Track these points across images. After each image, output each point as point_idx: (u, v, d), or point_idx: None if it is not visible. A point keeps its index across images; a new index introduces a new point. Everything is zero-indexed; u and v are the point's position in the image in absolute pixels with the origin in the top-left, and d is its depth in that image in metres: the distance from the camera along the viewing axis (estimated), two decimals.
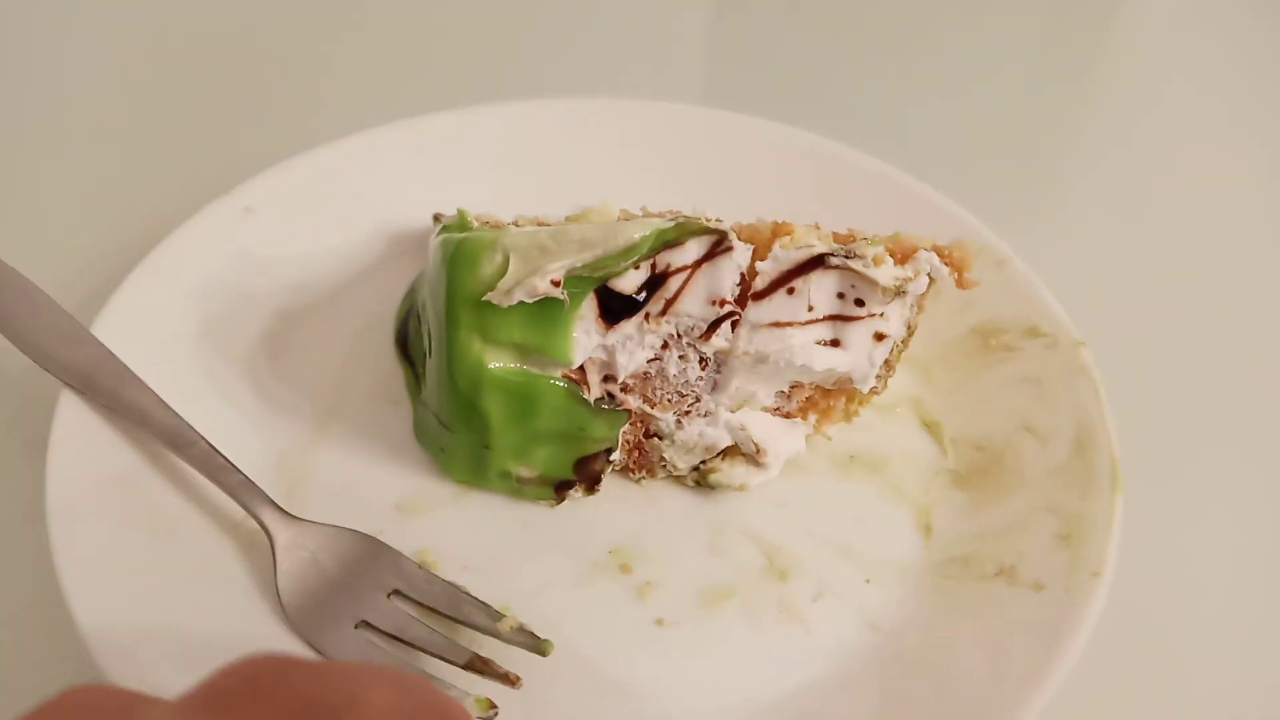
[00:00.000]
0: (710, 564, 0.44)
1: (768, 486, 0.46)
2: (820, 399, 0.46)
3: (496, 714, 0.37)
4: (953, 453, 0.48)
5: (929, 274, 0.43)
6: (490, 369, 0.41)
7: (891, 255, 0.43)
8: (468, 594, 0.41)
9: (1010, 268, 0.51)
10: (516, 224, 0.46)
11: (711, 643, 0.41)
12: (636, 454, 0.45)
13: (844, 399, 0.46)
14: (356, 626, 0.40)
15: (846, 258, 0.41)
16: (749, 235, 0.43)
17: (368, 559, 0.42)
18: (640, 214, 0.46)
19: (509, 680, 0.38)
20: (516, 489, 0.44)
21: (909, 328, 0.45)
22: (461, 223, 0.44)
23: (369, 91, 0.68)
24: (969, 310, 0.51)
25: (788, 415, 0.46)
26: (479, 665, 0.38)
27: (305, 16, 0.74)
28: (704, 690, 0.40)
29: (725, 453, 0.46)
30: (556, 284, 0.39)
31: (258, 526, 0.41)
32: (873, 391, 0.46)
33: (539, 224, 0.46)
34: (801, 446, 0.46)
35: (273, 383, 0.48)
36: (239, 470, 0.42)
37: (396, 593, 0.41)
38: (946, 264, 0.43)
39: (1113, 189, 0.69)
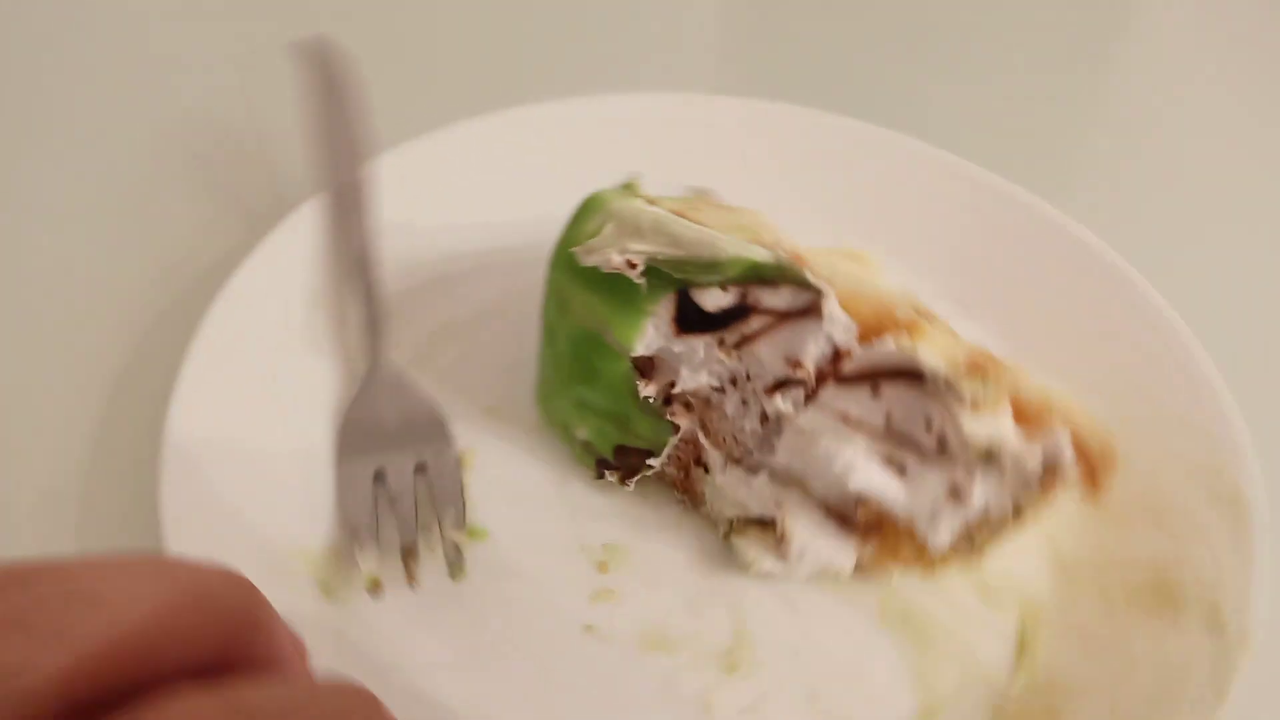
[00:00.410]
0: (676, 612, 0.41)
1: (790, 588, 0.42)
2: (888, 528, 0.40)
3: (378, 594, 0.39)
4: (1022, 688, 0.39)
5: (1046, 461, 0.35)
6: (567, 316, 0.41)
7: (1018, 414, 0.35)
8: (463, 501, 0.43)
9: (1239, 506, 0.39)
10: (681, 213, 0.45)
11: (606, 677, 0.39)
12: (684, 476, 0.43)
13: (913, 544, 0.39)
14: (374, 475, 0.44)
15: (947, 390, 0.35)
16: (870, 313, 0.38)
17: (425, 429, 0.46)
18: (778, 230, 0.42)
19: (411, 581, 0.40)
20: (572, 444, 0.45)
21: (1016, 509, 0.37)
22: (627, 189, 0.44)
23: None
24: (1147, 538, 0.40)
25: (846, 524, 0.40)
26: (412, 554, 0.40)
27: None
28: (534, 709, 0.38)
29: (761, 522, 0.42)
30: (632, 265, 0.38)
31: None
32: (952, 558, 0.39)
33: (693, 217, 0.44)
34: (842, 564, 0.41)
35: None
36: (381, 308, 0.48)
37: (420, 466, 0.45)
38: (1080, 456, 0.35)
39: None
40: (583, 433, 0.44)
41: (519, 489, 0.45)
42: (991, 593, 0.42)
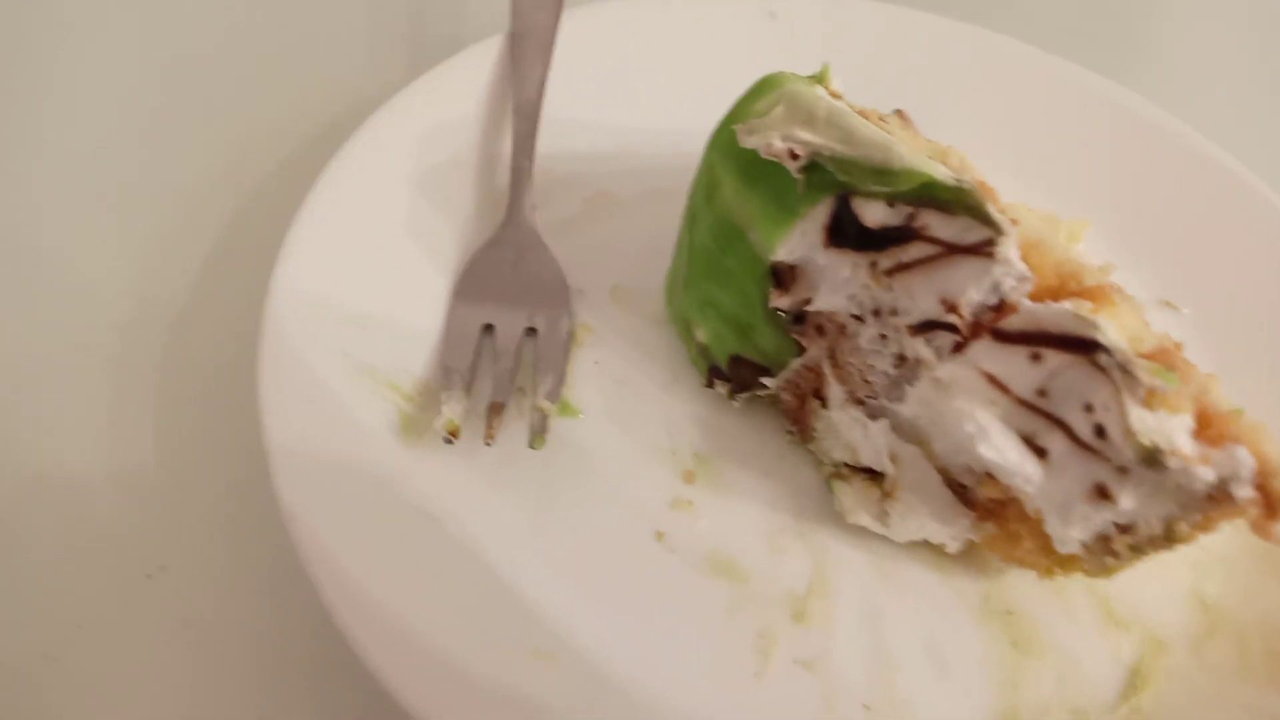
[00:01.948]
0: (752, 543, 0.38)
1: (885, 550, 0.38)
2: (1012, 514, 0.35)
3: (453, 441, 0.37)
4: (1123, 717, 0.34)
5: (1218, 483, 0.29)
6: (714, 202, 0.38)
7: (1200, 424, 0.30)
8: (563, 373, 0.41)
9: None
10: (866, 114, 0.40)
11: (666, 598, 0.36)
12: (798, 405, 0.39)
13: (1037, 538, 0.35)
14: (483, 327, 0.42)
15: (1121, 369, 0.30)
16: (1053, 271, 0.33)
17: (545, 294, 0.43)
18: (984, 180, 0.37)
19: (488, 437, 0.38)
20: (689, 344, 0.42)
21: (1169, 529, 0.32)
22: (814, 78, 0.39)
23: None
24: None
25: (964, 498, 0.36)
26: (496, 411, 0.38)
27: None
28: (584, 622, 0.35)
29: (870, 473, 0.38)
30: (795, 156, 0.34)
31: None
32: (1078, 564, 0.34)
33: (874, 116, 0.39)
34: (950, 541, 0.36)
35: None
36: (532, 162, 0.46)
37: (531, 330, 0.42)
38: (1261, 488, 0.29)
39: None
40: (702, 334, 0.40)
41: (624, 376, 0.42)
42: (1115, 616, 0.37)
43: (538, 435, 0.38)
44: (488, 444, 0.38)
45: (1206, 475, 0.29)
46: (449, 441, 0.37)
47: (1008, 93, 0.53)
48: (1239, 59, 0.66)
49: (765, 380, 0.39)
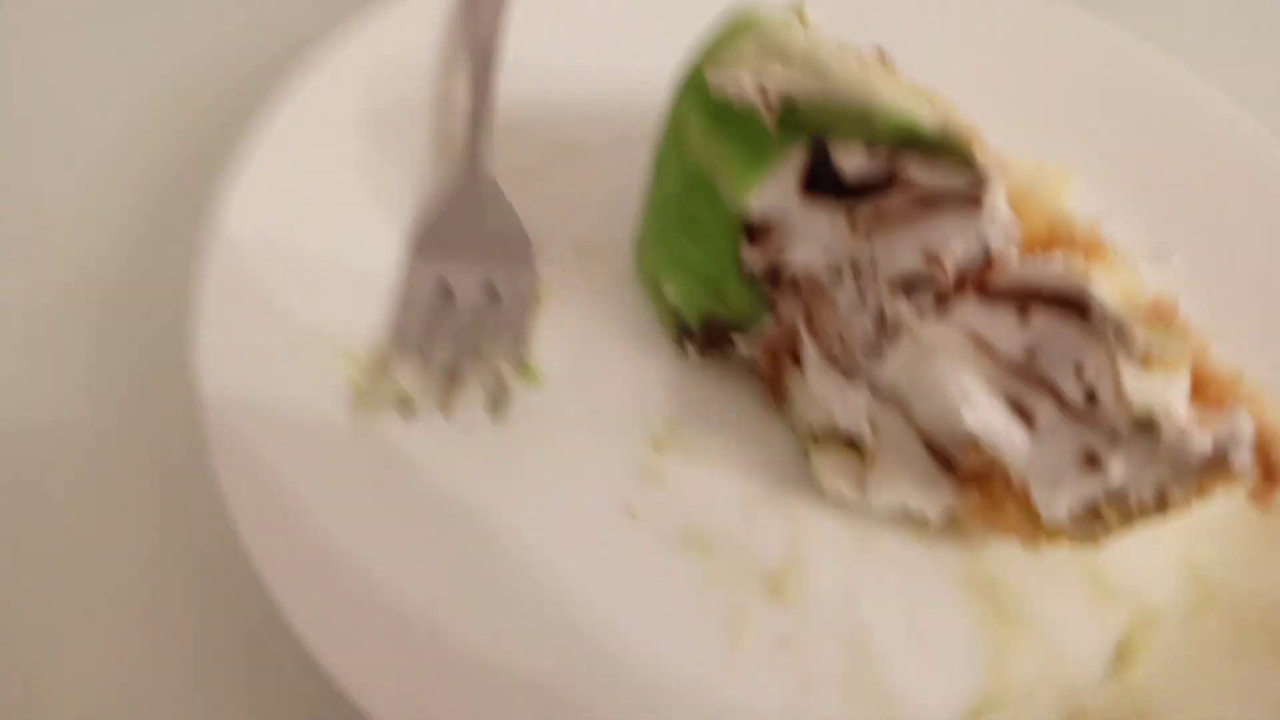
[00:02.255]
0: (727, 514, 0.36)
1: (864, 520, 0.36)
2: (996, 482, 0.33)
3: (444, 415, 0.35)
4: (1109, 699, 0.33)
5: (1215, 450, 0.27)
6: (682, 149, 0.35)
7: (1196, 387, 0.28)
8: (525, 336, 0.38)
9: None
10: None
11: (633, 564, 0.34)
12: (772, 367, 0.37)
13: (1022, 507, 0.33)
14: (440, 286, 0.40)
15: (1116, 334, 0.28)
16: (1043, 223, 0.30)
17: (505, 250, 0.41)
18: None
19: (445, 409, 0.35)
20: (658, 302, 0.39)
21: (1161, 497, 0.30)
22: (795, 8, 0.36)
23: None
24: None
25: (947, 466, 0.34)
26: (452, 379, 0.36)
27: None
28: (547, 601, 0.33)
29: (849, 441, 0.36)
30: (765, 95, 0.31)
31: None
32: (1065, 534, 0.32)
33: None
34: (932, 510, 0.34)
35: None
36: (492, 108, 0.43)
37: (491, 285, 0.40)
38: (1260, 455, 0.27)
39: None
40: (671, 291, 0.38)
41: (590, 338, 0.40)
42: (1104, 587, 0.35)
43: (498, 404, 0.36)
44: (445, 417, 0.35)
45: (1204, 442, 0.27)
46: (404, 415, 0.35)
47: (992, 33, 0.50)
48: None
49: (737, 340, 0.37)
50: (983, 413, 0.30)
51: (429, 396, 0.36)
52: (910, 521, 0.35)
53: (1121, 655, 0.34)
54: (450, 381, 0.36)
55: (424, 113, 0.44)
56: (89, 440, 0.37)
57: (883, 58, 0.41)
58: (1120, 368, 0.27)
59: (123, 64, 0.49)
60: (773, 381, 0.37)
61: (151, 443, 0.37)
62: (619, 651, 0.32)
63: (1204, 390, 0.28)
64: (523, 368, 0.38)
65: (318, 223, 0.39)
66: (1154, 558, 0.36)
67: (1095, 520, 0.31)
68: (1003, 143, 0.38)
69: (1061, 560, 0.36)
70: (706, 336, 0.37)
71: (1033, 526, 0.33)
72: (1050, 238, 0.30)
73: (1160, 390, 0.27)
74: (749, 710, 0.31)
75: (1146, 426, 0.28)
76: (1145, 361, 0.27)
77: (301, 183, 0.39)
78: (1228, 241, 0.44)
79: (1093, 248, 0.29)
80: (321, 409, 0.35)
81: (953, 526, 0.35)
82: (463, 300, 0.39)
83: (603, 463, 0.36)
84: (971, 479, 0.33)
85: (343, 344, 0.37)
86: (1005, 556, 0.36)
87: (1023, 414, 0.30)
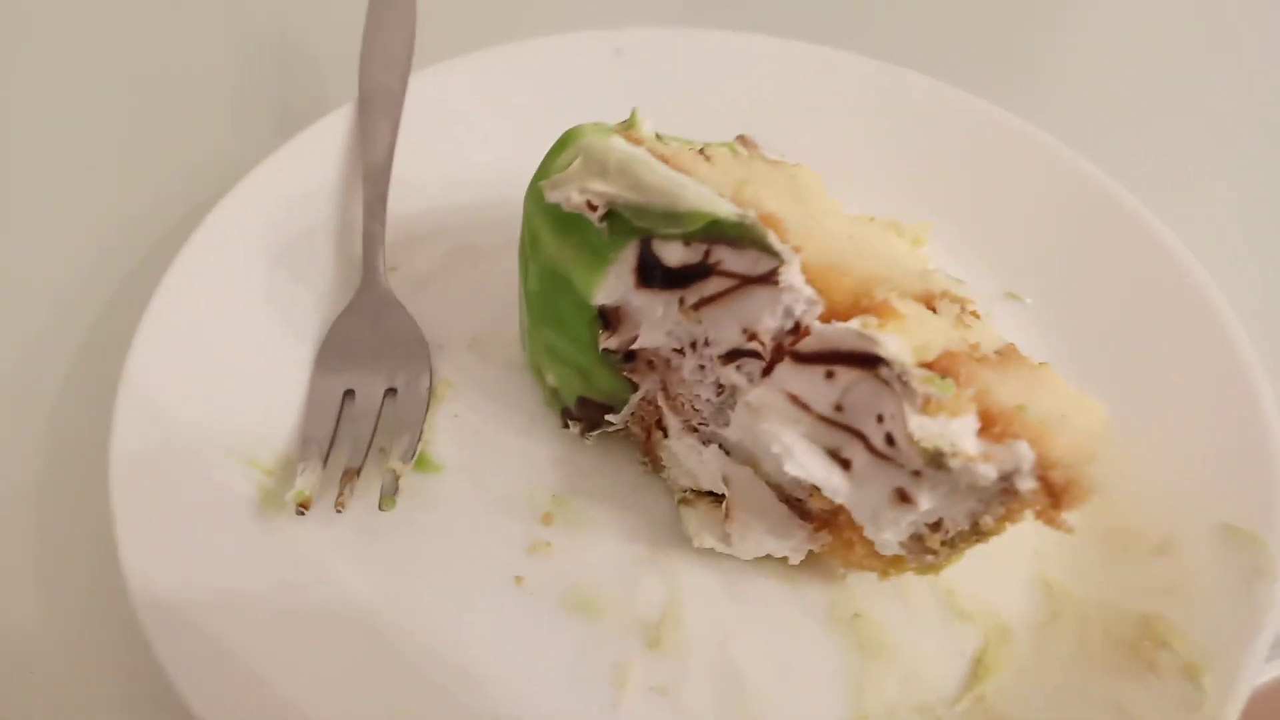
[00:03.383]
0: (608, 577, 0.39)
1: (736, 568, 0.39)
2: (843, 522, 0.37)
3: (305, 513, 0.39)
4: (963, 713, 0.36)
5: (1004, 477, 0.31)
6: (538, 252, 0.39)
7: (986, 423, 0.32)
8: (419, 433, 0.42)
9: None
10: (705, 152, 0.42)
11: (524, 631, 0.38)
12: (646, 437, 0.41)
13: (864, 542, 0.36)
14: (345, 393, 0.44)
15: (900, 380, 0.32)
16: (848, 290, 0.34)
17: (404, 354, 0.45)
18: (821, 193, 0.39)
19: (339, 504, 0.39)
20: (543, 387, 0.43)
21: (976, 525, 0.33)
22: (629, 123, 0.41)
23: None
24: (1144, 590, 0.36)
25: (799, 510, 0.37)
26: (349, 477, 0.40)
27: None
28: (441, 676, 0.37)
29: (713, 495, 0.39)
30: (593, 207, 0.36)
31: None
32: (905, 563, 0.36)
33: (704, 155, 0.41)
34: (790, 553, 0.38)
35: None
36: (384, 226, 0.47)
37: (391, 390, 0.44)
38: (1042, 480, 0.31)
39: None
40: (551, 378, 0.42)
41: (484, 427, 0.44)
42: (959, 608, 0.39)
43: (387, 497, 0.39)
44: (338, 510, 0.39)
45: (989, 472, 0.31)
46: (300, 513, 0.38)
47: (852, 107, 0.55)
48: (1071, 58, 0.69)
49: (610, 418, 0.41)
50: (802, 463, 0.33)
51: (326, 495, 0.39)
52: (777, 565, 0.39)
53: (976, 671, 0.37)
54: (345, 480, 0.39)
55: (327, 238, 0.48)
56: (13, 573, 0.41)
57: (746, 142, 0.46)
58: (906, 413, 0.31)
59: (53, 208, 0.54)
60: (647, 450, 0.41)
61: (73, 566, 0.40)
62: (509, 713, 0.35)
63: (992, 426, 0.32)
64: (421, 459, 0.42)
65: (231, 349, 0.43)
66: (1006, 576, 0.40)
67: (923, 549, 0.34)
68: (868, 204, 0.43)
69: (918, 587, 0.39)
70: (585, 416, 0.41)
71: (879, 559, 0.36)
72: (854, 304, 0.34)
73: (945, 430, 0.31)
74: None
75: (938, 462, 0.31)
76: (926, 406, 0.31)
77: (214, 314, 0.43)
78: (1075, 277, 0.48)
79: (885, 308, 0.33)
80: (231, 518, 0.38)
81: (816, 566, 0.39)
82: (364, 404, 0.43)
83: (494, 540, 0.40)
84: (822, 521, 0.37)
85: (253, 456, 0.41)
86: (866, 589, 0.39)
87: (841, 461, 0.34)
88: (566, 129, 0.39)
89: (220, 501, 0.39)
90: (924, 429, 0.31)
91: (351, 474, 0.40)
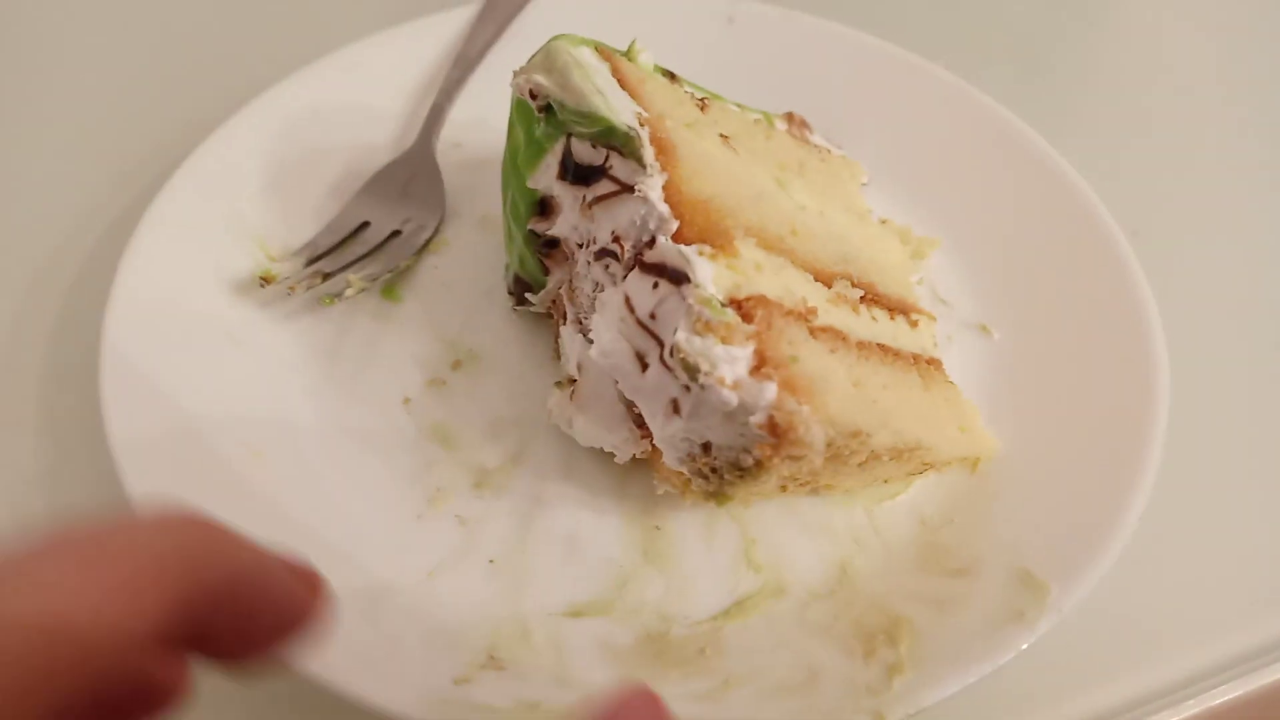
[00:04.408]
0: (476, 425, 0.45)
1: (581, 455, 0.44)
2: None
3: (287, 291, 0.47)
4: (699, 630, 0.39)
5: (741, 406, 0.34)
6: (510, 135, 0.45)
7: (759, 361, 0.35)
8: (396, 269, 0.49)
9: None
10: (705, 101, 0.46)
11: (384, 443, 0.44)
12: (557, 325, 0.46)
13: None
14: (362, 223, 0.52)
15: (691, 298, 0.35)
16: (704, 217, 0.38)
17: (422, 208, 0.52)
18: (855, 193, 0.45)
19: (290, 287, 0.47)
20: (507, 264, 0.49)
21: (738, 462, 0.36)
22: (628, 52, 0.45)
23: None
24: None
25: (634, 417, 0.41)
26: (316, 274, 0.48)
27: None
28: (304, 440, 0.44)
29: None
30: (533, 96, 0.41)
31: None
32: (693, 487, 0.39)
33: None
34: (615, 450, 0.42)
35: None
36: (451, 104, 0.55)
37: (397, 232, 0.51)
38: (769, 418, 0.33)
39: None
40: (507, 256, 0.48)
41: (451, 282, 0.50)
42: (753, 557, 0.41)
43: (329, 296, 0.47)
44: (288, 292, 0.47)
45: (730, 398, 0.34)
46: (261, 285, 0.47)
47: (920, 117, 0.56)
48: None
49: (529, 296, 0.46)
50: (605, 348, 0.37)
51: (294, 282, 0.47)
52: (613, 464, 0.43)
53: (731, 609, 0.39)
54: (312, 275, 0.47)
55: (401, 113, 0.56)
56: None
57: (792, 119, 0.49)
58: (680, 326, 0.34)
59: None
60: (556, 336, 0.46)
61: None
62: (338, 488, 0.41)
63: (762, 366, 0.34)
64: (386, 289, 0.49)
65: (286, 180, 0.52)
66: (813, 550, 0.41)
67: (698, 471, 0.37)
68: (900, 209, 0.49)
69: (725, 530, 0.42)
70: (516, 293, 0.47)
71: (678, 477, 0.39)
72: (704, 228, 0.37)
73: (706, 350, 0.34)
74: (411, 551, 0.40)
75: (692, 375, 0.34)
76: (698, 326, 0.34)
77: (283, 153, 0.52)
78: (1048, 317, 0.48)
79: (727, 245, 0.37)
80: (221, 285, 0.47)
81: (643, 475, 0.42)
82: (371, 235, 0.51)
83: (405, 365, 0.46)
84: (646, 431, 0.40)
85: (266, 242, 0.49)
86: (679, 513, 0.42)
87: (641, 362, 0.37)
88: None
89: (222, 275, 0.47)
90: (689, 343, 0.34)
91: (318, 275, 0.48)
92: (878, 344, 0.41)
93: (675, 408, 0.36)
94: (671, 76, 0.47)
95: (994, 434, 0.44)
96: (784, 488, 0.40)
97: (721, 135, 0.45)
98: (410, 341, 0.48)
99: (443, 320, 0.49)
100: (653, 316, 0.37)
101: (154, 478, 0.37)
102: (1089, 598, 0.37)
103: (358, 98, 0.55)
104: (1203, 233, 0.58)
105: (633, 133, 0.38)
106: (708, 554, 0.41)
